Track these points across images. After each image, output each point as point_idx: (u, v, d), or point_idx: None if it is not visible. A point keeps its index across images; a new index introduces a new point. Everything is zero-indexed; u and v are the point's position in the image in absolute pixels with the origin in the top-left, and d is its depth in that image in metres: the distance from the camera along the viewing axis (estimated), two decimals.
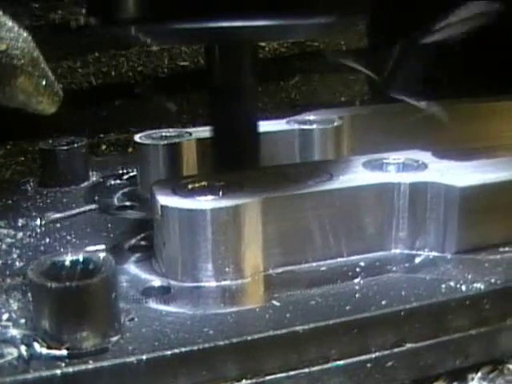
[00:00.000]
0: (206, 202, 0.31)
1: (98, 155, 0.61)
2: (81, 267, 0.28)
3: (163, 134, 0.43)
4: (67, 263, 0.28)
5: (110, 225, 0.38)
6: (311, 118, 0.46)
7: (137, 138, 0.43)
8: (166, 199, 0.31)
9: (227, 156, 0.39)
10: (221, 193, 0.32)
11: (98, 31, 0.38)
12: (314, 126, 0.44)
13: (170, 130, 0.43)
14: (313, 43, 0.77)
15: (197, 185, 0.33)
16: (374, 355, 0.28)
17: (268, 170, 0.36)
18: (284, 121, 0.45)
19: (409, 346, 0.29)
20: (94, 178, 0.46)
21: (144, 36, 0.36)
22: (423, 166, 0.35)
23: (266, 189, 0.32)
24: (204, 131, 0.44)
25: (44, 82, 0.32)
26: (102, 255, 0.28)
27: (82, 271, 0.27)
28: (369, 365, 0.29)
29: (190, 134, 0.43)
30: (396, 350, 0.29)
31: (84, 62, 0.62)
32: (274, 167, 0.37)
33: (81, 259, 0.28)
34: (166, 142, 0.41)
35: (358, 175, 0.34)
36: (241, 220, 0.31)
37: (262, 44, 0.69)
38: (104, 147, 0.64)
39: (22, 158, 0.61)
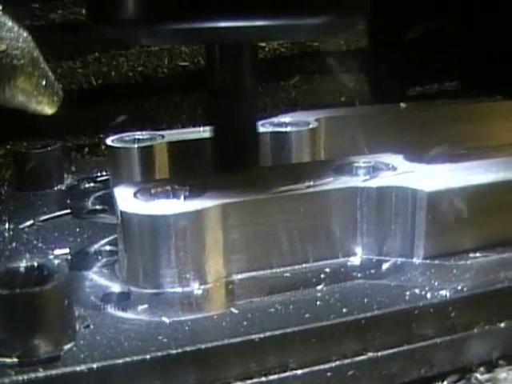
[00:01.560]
0: (165, 208, 0.30)
1: (99, 155, 0.61)
2: (35, 274, 0.28)
3: (136, 136, 0.42)
4: (22, 270, 0.27)
5: (79, 229, 0.38)
6: (286, 120, 0.45)
7: (109, 141, 0.42)
8: (125, 204, 0.31)
9: (227, 156, 0.39)
10: (183, 198, 0.32)
11: (97, 31, 0.38)
12: (289, 129, 0.44)
13: (144, 132, 0.43)
14: (313, 43, 0.77)
15: (160, 189, 0.32)
16: (334, 364, 0.28)
17: (235, 173, 0.35)
18: (259, 123, 0.45)
19: (370, 354, 0.28)
20: (69, 181, 0.46)
21: (144, 37, 0.35)
22: (393, 170, 0.34)
23: (228, 194, 0.32)
24: (177, 134, 0.44)
25: (44, 82, 0.32)
26: (56, 261, 0.28)
27: (36, 278, 0.27)
28: (329, 374, 0.28)
29: (163, 136, 0.43)
30: (357, 358, 0.28)
31: (84, 62, 0.62)
32: (240, 171, 0.36)
33: (36, 265, 0.28)
34: (137, 145, 0.41)
35: (324, 179, 0.33)
36: (201, 225, 0.30)
37: (262, 44, 0.69)
38: (104, 147, 0.64)
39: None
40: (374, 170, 0.34)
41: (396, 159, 0.36)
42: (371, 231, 0.32)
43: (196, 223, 0.30)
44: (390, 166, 0.35)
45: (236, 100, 0.38)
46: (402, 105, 0.49)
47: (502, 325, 0.30)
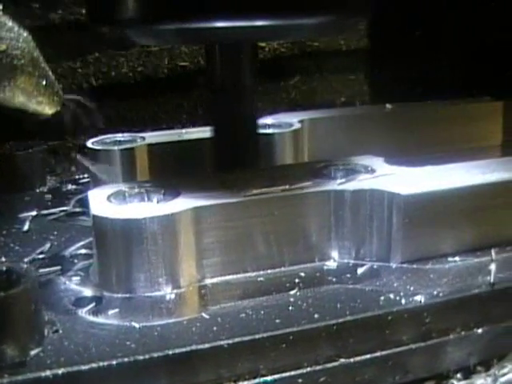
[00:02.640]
0: (137, 211, 0.30)
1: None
2: (3, 278, 0.28)
3: (116, 138, 0.42)
4: None
5: (57, 232, 0.37)
6: (269, 121, 0.45)
7: (89, 143, 0.42)
8: (98, 208, 0.30)
9: (227, 156, 0.39)
10: (156, 201, 0.32)
11: (97, 32, 0.38)
12: (271, 130, 0.43)
13: (125, 134, 0.42)
14: (313, 43, 0.76)
15: (134, 192, 0.32)
16: (305, 370, 0.27)
17: (210, 176, 0.35)
18: None
19: (343, 361, 0.28)
20: (51, 183, 0.46)
21: (143, 37, 0.35)
22: (371, 173, 0.34)
23: (202, 197, 0.31)
24: (158, 136, 0.43)
25: (44, 82, 0.32)
26: (24, 266, 0.28)
27: (4, 282, 0.27)
28: (300, 380, 0.27)
29: (144, 138, 0.42)
30: (329, 365, 0.28)
31: (84, 62, 0.62)
32: (216, 173, 0.36)
33: (3, 270, 0.28)
34: (117, 147, 0.40)
35: (301, 182, 0.32)
36: (173, 229, 0.30)
37: (262, 44, 0.69)
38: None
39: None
40: (352, 172, 0.33)
41: (376, 162, 0.36)
42: (347, 235, 0.32)
43: (168, 227, 0.29)
44: (369, 169, 0.34)
45: (236, 100, 0.38)
46: (388, 106, 0.48)
47: (480, 331, 0.30)
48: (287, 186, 0.32)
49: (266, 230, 0.31)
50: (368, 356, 0.28)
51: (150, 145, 0.41)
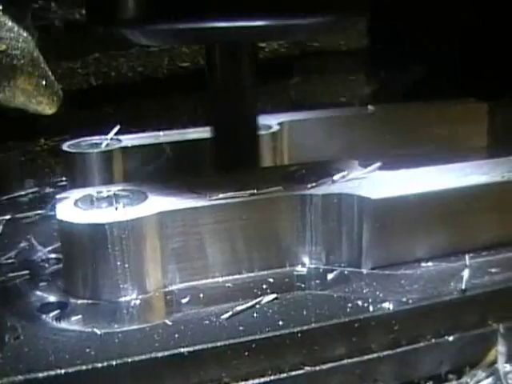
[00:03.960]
0: (101, 216, 0.29)
1: None
2: None
3: (92, 141, 0.42)
4: None
5: (29, 236, 0.37)
6: None
7: (65, 146, 0.41)
8: (63, 212, 0.30)
9: (226, 156, 0.38)
10: (122, 205, 0.31)
11: (97, 32, 0.38)
12: None
13: (102, 137, 0.42)
14: (313, 43, 0.76)
15: (102, 197, 0.32)
16: (269, 378, 0.27)
17: (179, 179, 0.34)
18: None
19: (308, 369, 0.27)
20: (29, 186, 0.45)
21: (143, 37, 0.35)
22: (344, 176, 0.33)
23: (168, 201, 0.31)
24: (135, 138, 0.43)
25: (44, 82, 0.32)
26: None
27: None
28: None
29: (120, 140, 0.42)
30: (293, 373, 0.27)
31: (84, 62, 0.62)
32: (184, 178, 0.34)
33: None
34: (92, 150, 0.40)
35: (270, 186, 0.32)
36: (138, 234, 0.29)
37: (262, 44, 0.69)
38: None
39: (22, 158, 0.61)
40: (323, 176, 0.33)
41: (350, 164, 0.35)
42: (318, 240, 0.31)
43: (132, 232, 0.29)
44: (342, 172, 0.33)
45: (236, 100, 0.38)
46: (370, 107, 0.48)
47: (451, 338, 0.29)
48: (255, 191, 0.31)
49: (234, 235, 0.31)
50: (334, 364, 0.28)
51: (125, 148, 0.40)
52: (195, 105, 0.68)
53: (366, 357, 0.28)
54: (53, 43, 0.60)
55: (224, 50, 0.37)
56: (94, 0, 0.35)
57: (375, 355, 0.28)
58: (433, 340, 0.29)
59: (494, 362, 0.30)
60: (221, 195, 0.31)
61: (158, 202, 0.31)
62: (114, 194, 0.32)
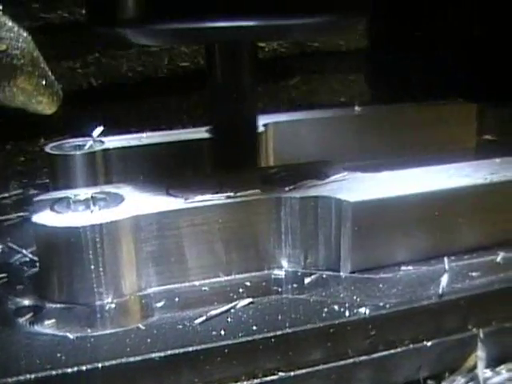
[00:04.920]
0: (75, 220, 0.29)
1: None
2: None
3: (75, 143, 0.41)
4: None
5: (10, 238, 0.36)
6: None
7: (47, 148, 0.41)
8: (38, 215, 0.30)
9: (226, 156, 0.38)
10: (97, 208, 0.31)
11: (97, 32, 0.38)
12: None
13: (86, 138, 0.41)
14: (313, 43, 0.76)
15: (79, 199, 0.32)
16: None
17: (155, 182, 0.33)
18: (203, 129, 0.44)
19: (282, 374, 0.27)
20: (13, 188, 0.45)
21: (143, 37, 0.35)
22: (324, 178, 0.32)
23: (144, 204, 0.30)
24: (118, 140, 0.42)
25: (44, 82, 0.32)
26: None
27: None
28: None
29: (103, 142, 0.42)
30: (267, 378, 0.26)
31: (84, 62, 0.62)
32: (163, 180, 0.34)
33: None
34: (74, 152, 0.39)
35: (248, 188, 0.31)
36: (113, 238, 0.29)
37: (262, 44, 0.69)
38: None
39: (22, 158, 0.61)
40: (303, 178, 0.32)
41: (331, 166, 0.34)
42: (297, 243, 0.31)
43: (107, 235, 0.29)
44: (322, 174, 0.33)
45: (235, 100, 0.38)
46: (357, 108, 0.47)
47: (429, 343, 0.29)
48: (232, 193, 0.31)
49: (211, 238, 0.30)
50: (310, 369, 0.27)
51: (107, 150, 0.40)
52: (195, 104, 0.68)
53: (342, 362, 0.28)
54: (53, 43, 0.60)
55: (223, 50, 0.37)
56: (94, 0, 0.35)
57: (351, 360, 0.28)
58: (411, 345, 0.29)
59: (474, 367, 0.30)
60: (197, 198, 0.31)
61: (134, 205, 0.30)
62: (92, 196, 0.32)
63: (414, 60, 0.68)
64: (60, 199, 0.32)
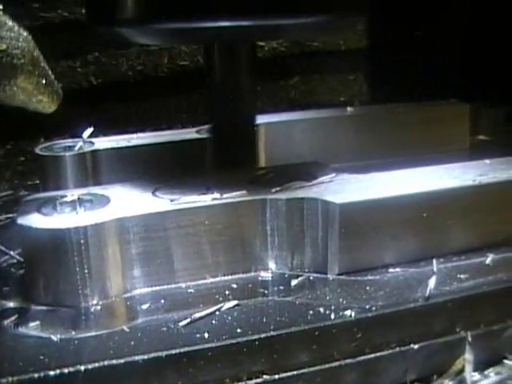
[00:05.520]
0: (61, 221, 0.29)
1: None
2: None
3: (65, 144, 0.41)
4: None
5: None
6: None
7: (37, 149, 0.41)
8: (23, 217, 0.29)
9: (225, 155, 0.38)
10: (83, 210, 0.31)
11: (97, 31, 0.38)
12: None
13: (75, 139, 0.42)
14: (312, 43, 0.76)
15: (64, 201, 0.32)
16: None
17: (142, 184, 0.33)
18: (194, 130, 0.44)
19: (267, 377, 0.26)
20: (3, 189, 0.45)
21: (142, 37, 0.35)
22: (311, 180, 0.32)
23: (130, 206, 0.30)
24: (108, 141, 0.42)
25: (44, 81, 0.32)
26: None
27: None
28: None
29: (93, 143, 0.42)
30: (252, 381, 0.26)
31: (84, 61, 0.62)
32: (150, 181, 0.34)
33: None
34: (64, 153, 0.39)
35: (235, 190, 0.31)
36: (98, 240, 0.28)
37: (262, 44, 0.69)
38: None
39: (22, 158, 0.61)
40: (291, 180, 0.32)
41: (319, 167, 0.34)
42: (284, 245, 0.31)
43: (92, 237, 0.28)
44: (310, 176, 0.33)
45: (235, 99, 0.37)
46: (349, 109, 0.47)
47: (416, 346, 0.29)
48: (218, 195, 0.31)
49: (197, 239, 0.30)
50: (295, 372, 0.27)
51: (96, 151, 0.40)
52: (195, 103, 0.68)
53: (327, 365, 0.28)
54: (53, 42, 0.60)
55: (222, 50, 0.37)
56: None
57: (337, 363, 0.28)
58: (397, 348, 0.28)
59: (462, 370, 0.30)
60: (183, 199, 0.31)
61: (120, 207, 0.30)
62: (78, 198, 0.32)
63: (414, 60, 0.68)
64: (47, 201, 0.32)
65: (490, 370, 0.30)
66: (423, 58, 0.67)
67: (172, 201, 0.30)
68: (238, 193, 0.31)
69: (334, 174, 0.32)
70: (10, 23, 0.32)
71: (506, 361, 0.31)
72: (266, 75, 0.70)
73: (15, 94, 0.31)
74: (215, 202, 0.30)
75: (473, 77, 0.61)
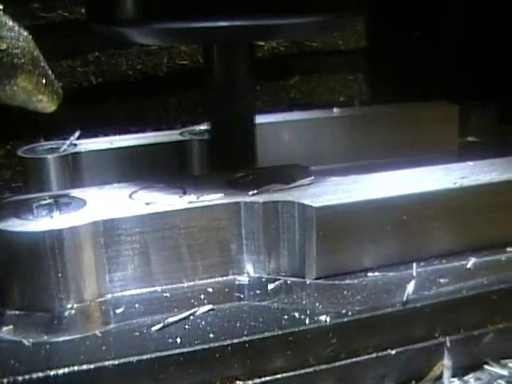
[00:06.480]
0: (35, 225, 0.28)
1: None
2: None
3: (49, 146, 0.41)
4: None
5: None
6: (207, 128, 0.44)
7: (20, 151, 0.41)
8: None
9: (224, 155, 0.38)
10: (58, 213, 0.30)
11: (97, 31, 0.38)
12: (208, 136, 0.42)
13: (59, 142, 0.41)
14: (312, 43, 0.76)
15: (41, 204, 0.31)
16: None
17: (119, 187, 0.33)
18: (177, 132, 0.44)
19: (239, 383, 0.27)
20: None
21: (141, 36, 0.34)
22: (290, 182, 0.32)
23: (105, 209, 0.30)
24: (90, 143, 0.42)
25: (44, 81, 0.32)
26: None
27: None
28: None
29: (76, 145, 0.41)
30: None
31: (84, 60, 0.62)
32: (129, 183, 0.33)
33: None
34: (45, 155, 0.39)
35: (212, 193, 0.31)
36: (72, 243, 0.28)
37: (261, 43, 0.69)
38: None
39: None
40: (270, 182, 0.31)
41: (299, 170, 0.34)
42: (261, 249, 0.30)
43: (66, 241, 0.28)
44: (289, 178, 0.32)
45: (234, 99, 0.37)
46: (336, 110, 0.46)
47: (393, 352, 0.28)
48: (195, 198, 0.31)
49: (172, 243, 0.30)
50: (268, 378, 0.27)
51: (77, 153, 0.40)
52: (195, 103, 0.68)
53: (302, 370, 0.27)
54: (53, 42, 0.60)
55: (221, 49, 0.37)
56: None
57: (311, 369, 0.27)
58: (374, 354, 0.28)
59: (440, 376, 0.29)
60: (159, 202, 0.30)
61: (96, 210, 0.30)
62: (55, 200, 0.32)
63: (413, 60, 0.68)
64: (23, 204, 0.31)
65: (470, 375, 0.30)
66: (423, 58, 0.67)
67: (147, 204, 0.30)
68: (215, 196, 0.31)
69: (313, 177, 0.32)
70: (11, 23, 0.32)
71: (486, 366, 0.31)
72: (265, 75, 0.70)
73: (15, 93, 0.31)
74: (191, 205, 0.30)
75: (472, 77, 0.61)
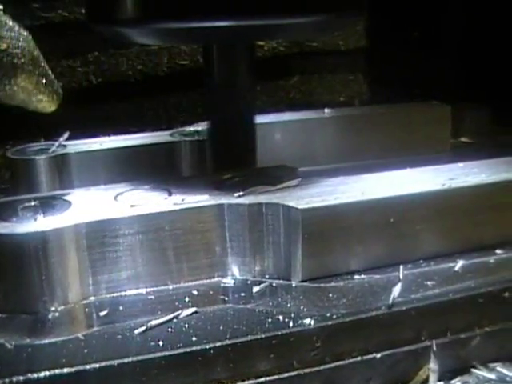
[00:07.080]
0: (19, 227, 0.28)
1: None
2: None
3: (38, 147, 0.41)
4: None
5: None
6: (199, 129, 0.43)
7: (9, 153, 0.41)
8: None
9: (224, 155, 0.38)
10: (42, 215, 0.30)
11: (97, 31, 0.38)
12: (202, 138, 0.41)
13: (48, 142, 0.41)
14: (312, 43, 0.76)
15: (25, 206, 0.31)
16: None
17: (107, 188, 0.33)
18: (168, 133, 0.43)
19: None
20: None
21: (141, 36, 0.34)
22: (275, 184, 0.31)
23: (89, 210, 0.30)
24: (80, 144, 0.42)
25: (44, 81, 0.32)
26: None
27: None
28: None
29: (65, 146, 0.41)
30: None
31: (84, 60, 0.62)
32: (113, 186, 0.33)
33: None
34: (34, 156, 0.39)
35: (197, 194, 0.30)
36: (56, 245, 0.28)
37: (261, 43, 0.68)
38: None
39: None
40: (256, 184, 0.31)
41: (286, 171, 0.33)
42: (246, 251, 0.30)
43: (50, 243, 0.28)
44: (275, 180, 0.32)
45: (234, 99, 0.37)
46: (327, 110, 0.46)
47: (379, 355, 0.28)
48: (181, 200, 0.31)
49: (157, 245, 0.29)
50: (252, 381, 0.26)
51: (66, 154, 0.39)
52: (195, 103, 0.68)
53: (286, 374, 0.27)
54: (53, 42, 0.60)
55: (221, 49, 0.37)
56: None
57: (296, 373, 0.27)
58: (360, 357, 0.28)
59: (426, 380, 0.29)
60: (143, 204, 0.30)
61: (80, 212, 0.30)
62: (40, 202, 0.32)
63: (413, 60, 0.67)
64: (8, 205, 0.31)
65: (457, 379, 0.30)
66: (422, 58, 0.66)
67: (132, 206, 0.30)
68: (200, 197, 0.30)
69: (300, 178, 0.32)
70: (11, 23, 0.32)
71: (474, 370, 0.30)
72: (265, 75, 0.70)
73: (15, 93, 0.31)
74: (176, 207, 0.30)
75: (472, 77, 0.61)
